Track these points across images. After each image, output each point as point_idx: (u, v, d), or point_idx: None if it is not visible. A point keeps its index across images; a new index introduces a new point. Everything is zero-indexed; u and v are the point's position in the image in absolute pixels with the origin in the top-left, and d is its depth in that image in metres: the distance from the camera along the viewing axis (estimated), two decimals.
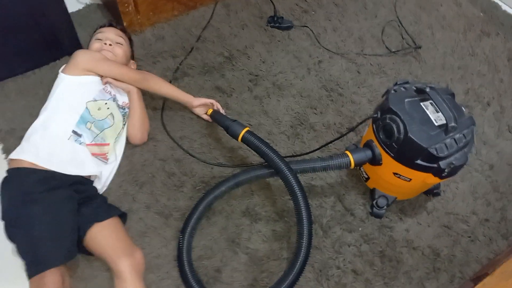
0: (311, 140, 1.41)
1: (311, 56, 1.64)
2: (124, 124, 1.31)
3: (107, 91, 1.26)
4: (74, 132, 1.14)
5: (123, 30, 1.39)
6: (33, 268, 0.98)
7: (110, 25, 1.38)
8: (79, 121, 1.15)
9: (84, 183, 1.14)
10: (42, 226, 1.01)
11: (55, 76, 1.45)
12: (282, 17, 1.72)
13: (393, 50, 1.67)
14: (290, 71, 1.59)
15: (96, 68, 1.23)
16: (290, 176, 1.08)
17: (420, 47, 1.68)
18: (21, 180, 1.06)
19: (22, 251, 1.02)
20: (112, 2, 1.55)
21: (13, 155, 1.10)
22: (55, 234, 1.02)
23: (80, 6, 1.70)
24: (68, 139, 1.12)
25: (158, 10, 1.62)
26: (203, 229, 1.19)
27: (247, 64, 1.59)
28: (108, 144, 1.22)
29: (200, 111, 1.36)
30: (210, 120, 1.34)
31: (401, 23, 1.76)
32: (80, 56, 1.23)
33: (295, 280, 1.03)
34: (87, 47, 1.35)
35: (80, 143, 1.14)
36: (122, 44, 1.33)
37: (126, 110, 1.31)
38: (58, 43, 1.46)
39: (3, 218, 1.05)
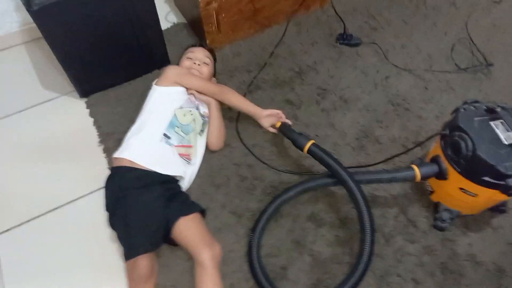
0: (376, 152, 1.47)
1: (378, 72, 1.70)
2: (203, 131, 1.48)
3: (192, 100, 1.43)
4: (165, 135, 1.31)
5: (211, 51, 1.58)
6: (127, 253, 1.16)
7: (201, 45, 1.57)
8: (168, 125, 1.33)
9: (172, 181, 1.31)
10: (135, 217, 1.19)
11: (147, 87, 1.67)
12: (351, 35, 1.80)
13: (462, 67, 1.68)
14: (357, 86, 1.66)
15: (182, 81, 1.42)
16: (354, 186, 1.16)
17: (492, 65, 1.67)
18: (121, 177, 1.25)
19: (120, 238, 1.20)
20: (197, 22, 1.74)
21: (116, 154, 1.30)
22: (145, 226, 1.18)
23: (169, 25, 1.91)
24: (160, 141, 1.30)
25: (237, 29, 1.78)
26: (272, 229, 1.30)
27: (316, 79, 1.70)
28: (192, 146, 1.39)
29: (267, 124, 1.43)
30: (276, 132, 1.43)
31: (472, 41, 1.76)
32: (170, 71, 1.43)
33: (356, 284, 1.11)
34: (177, 63, 1.54)
35: (170, 145, 1.31)
36: (208, 64, 1.52)
37: (206, 119, 1.48)
38: (151, 58, 1.67)
39: (106, 209, 1.25)
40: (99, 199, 1.41)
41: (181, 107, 1.38)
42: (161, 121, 1.34)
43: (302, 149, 1.27)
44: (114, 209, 1.23)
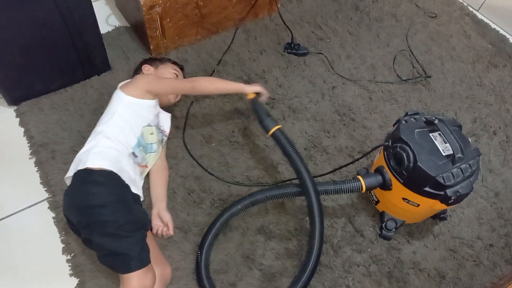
0: (323, 162, 1.48)
1: (325, 82, 1.72)
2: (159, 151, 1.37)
3: (157, 117, 1.34)
4: (133, 153, 1.21)
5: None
6: (138, 262, 1.04)
7: (182, 68, 1.54)
8: (136, 144, 1.22)
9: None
10: (133, 224, 1.09)
11: (85, 94, 1.58)
12: (299, 44, 1.81)
13: (404, 78, 1.75)
14: (305, 96, 1.67)
15: (154, 87, 1.31)
16: (307, 178, 1.16)
17: (430, 76, 1.76)
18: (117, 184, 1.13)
19: (129, 247, 1.04)
20: (140, 26, 1.65)
21: (92, 164, 1.10)
22: (143, 234, 1.12)
23: (110, 28, 1.80)
24: (129, 158, 1.20)
25: (183, 34, 1.72)
26: (220, 244, 1.26)
27: (265, 88, 1.67)
28: (147, 167, 1.31)
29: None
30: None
31: (412, 53, 1.84)
32: (141, 80, 1.33)
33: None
34: (134, 68, 1.50)
35: (135, 163, 1.22)
36: None
37: (165, 138, 1.40)
38: (90, 63, 1.56)
39: (73, 226, 1.12)
40: (30, 218, 1.30)
41: (149, 125, 1.28)
42: (130, 138, 1.22)
43: (267, 132, 1.25)
44: (90, 221, 1.06)
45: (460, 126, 1.21)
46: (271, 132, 1.23)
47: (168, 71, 1.45)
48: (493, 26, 2.02)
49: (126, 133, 1.21)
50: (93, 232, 1.05)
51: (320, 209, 1.14)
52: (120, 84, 1.33)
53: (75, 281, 1.19)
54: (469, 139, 1.18)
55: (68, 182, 1.16)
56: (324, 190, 1.20)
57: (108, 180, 1.10)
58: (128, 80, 1.37)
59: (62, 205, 1.15)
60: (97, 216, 1.05)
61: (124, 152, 1.18)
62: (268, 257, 1.25)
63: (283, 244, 1.28)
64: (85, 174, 1.10)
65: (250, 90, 1.35)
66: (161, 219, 1.26)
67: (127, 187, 1.15)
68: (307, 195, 1.16)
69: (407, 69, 1.80)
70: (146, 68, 1.44)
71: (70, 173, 1.14)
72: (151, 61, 1.50)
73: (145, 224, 1.17)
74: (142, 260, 1.05)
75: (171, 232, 1.24)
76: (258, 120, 1.28)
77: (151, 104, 1.31)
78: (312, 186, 1.16)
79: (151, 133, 1.29)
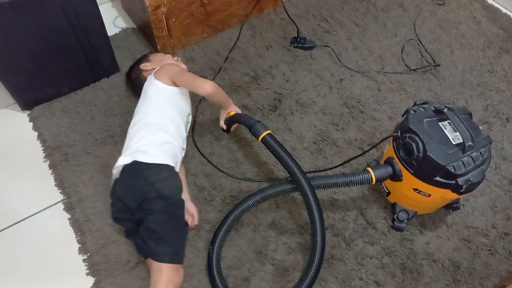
0: (333, 155, 1.47)
1: (332, 75, 1.71)
2: None
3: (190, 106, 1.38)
4: (182, 147, 1.27)
5: None
6: (181, 256, 1.14)
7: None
8: (185, 136, 1.28)
9: None
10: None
11: (95, 96, 1.60)
12: (305, 38, 1.80)
13: (412, 68, 1.73)
14: (313, 89, 1.67)
15: (177, 79, 1.29)
16: (302, 179, 1.16)
17: (439, 65, 1.73)
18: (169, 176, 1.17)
19: (176, 240, 1.13)
20: (147, 27, 1.67)
21: (155, 159, 1.15)
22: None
23: (117, 30, 1.83)
24: (180, 152, 1.25)
25: (189, 33, 1.73)
26: (232, 240, 1.27)
27: (272, 83, 1.68)
28: None
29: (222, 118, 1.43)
30: (224, 127, 1.41)
31: (420, 42, 1.82)
32: (169, 69, 1.32)
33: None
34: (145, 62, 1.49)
35: (181, 157, 1.28)
36: None
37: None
38: (99, 65, 1.58)
39: (121, 213, 1.18)
40: (46, 219, 1.33)
41: (189, 114, 1.33)
42: (181, 128, 1.26)
43: (257, 137, 1.25)
44: (149, 207, 1.11)
45: (470, 114, 1.20)
46: (260, 137, 1.24)
47: (170, 57, 1.48)
48: (504, 10, 1.98)
49: (177, 125, 1.25)
50: (149, 216, 1.10)
51: (319, 207, 1.15)
52: (153, 73, 1.34)
53: (91, 280, 1.21)
54: (480, 127, 1.16)
55: (116, 171, 1.17)
56: (334, 183, 1.20)
57: (171, 176, 1.17)
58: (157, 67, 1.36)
59: (114, 188, 1.17)
60: (158, 204, 1.11)
61: (177, 146, 1.22)
62: (280, 251, 1.26)
63: (294, 239, 1.28)
64: (148, 166, 1.14)
65: (235, 109, 1.38)
66: (187, 210, 1.28)
67: (180, 181, 1.20)
68: (304, 195, 1.16)
69: (415, 58, 1.77)
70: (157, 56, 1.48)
71: (125, 161, 1.14)
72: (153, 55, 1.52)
73: (186, 222, 1.22)
74: (179, 257, 1.12)
75: (196, 222, 1.28)
76: (248, 127, 1.28)
77: (186, 92, 1.34)
78: (308, 186, 1.16)
79: (188, 122, 1.33)
